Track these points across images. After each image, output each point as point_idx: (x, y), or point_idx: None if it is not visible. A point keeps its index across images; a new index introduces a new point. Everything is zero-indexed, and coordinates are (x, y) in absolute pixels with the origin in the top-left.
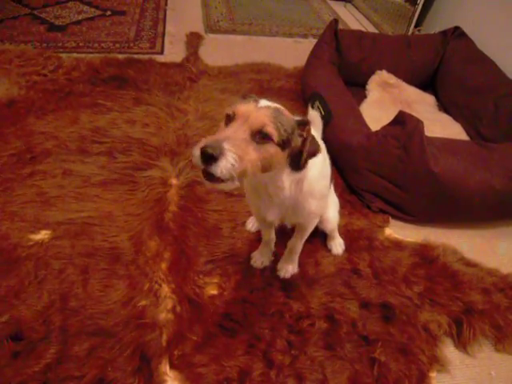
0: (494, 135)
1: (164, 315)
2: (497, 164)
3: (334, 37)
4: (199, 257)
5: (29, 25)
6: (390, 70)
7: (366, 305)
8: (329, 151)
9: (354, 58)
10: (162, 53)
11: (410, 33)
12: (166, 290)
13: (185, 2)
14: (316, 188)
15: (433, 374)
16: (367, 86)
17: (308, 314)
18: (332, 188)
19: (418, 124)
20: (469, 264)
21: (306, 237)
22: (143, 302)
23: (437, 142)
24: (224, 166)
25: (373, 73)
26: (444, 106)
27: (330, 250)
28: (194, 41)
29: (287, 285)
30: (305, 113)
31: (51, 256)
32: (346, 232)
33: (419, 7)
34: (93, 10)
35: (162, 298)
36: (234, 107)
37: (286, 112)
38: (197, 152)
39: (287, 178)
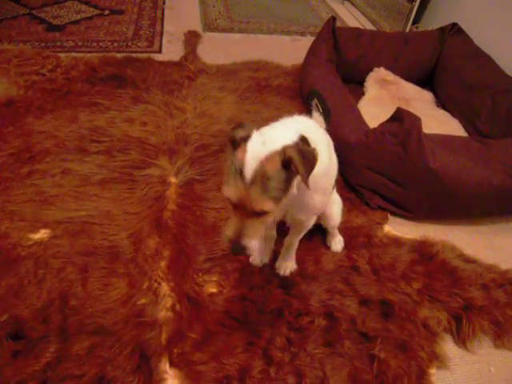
0: (491, 131)
1: (163, 313)
2: (495, 160)
3: (331, 34)
4: (198, 255)
5: (27, 24)
6: (387, 67)
7: (365, 302)
8: None
9: (352, 55)
10: (160, 51)
11: (407, 30)
12: (165, 288)
13: (182, 0)
14: (320, 184)
15: (432, 371)
16: (365, 84)
17: (307, 312)
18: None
19: (415, 121)
20: (468, 260)
21: (303, 234)
22: (143, 301)
23: (435, 139)
24: (250, 251)
25: (371, 70)
26: (442, 103)
27: (329, 248)
28: (192, 39)
29: (286, 282)
30: (303, 111)
31: (50, 255)
32: (344, 229)
33: (417, 4)
34: (91, 9)
35: (162, 297)
36: (226, 191)
37: (271, 165)
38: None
39: (295, 180)
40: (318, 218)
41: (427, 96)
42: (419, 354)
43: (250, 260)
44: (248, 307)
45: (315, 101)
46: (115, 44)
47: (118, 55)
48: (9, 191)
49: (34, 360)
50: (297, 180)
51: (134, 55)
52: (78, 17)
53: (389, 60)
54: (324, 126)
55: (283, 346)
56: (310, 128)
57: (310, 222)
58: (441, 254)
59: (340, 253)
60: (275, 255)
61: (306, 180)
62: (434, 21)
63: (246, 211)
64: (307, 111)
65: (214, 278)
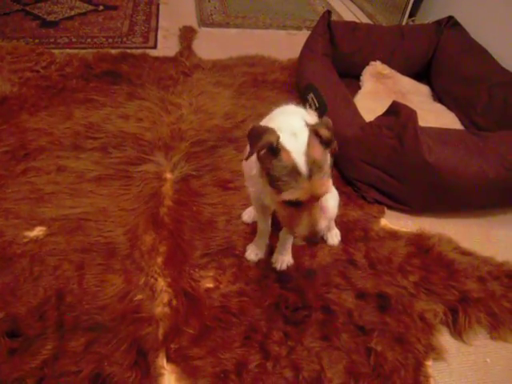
0: (487, 124)
1: (160, 309)
2: (491, 153)
3: (327, 28)
4: (195, 250)
5: (21, 21)
6: (384, 61)
7: (361, 295)
8: None
9: (348, 49)
10: (155, 47)
11: (403, 23)
12: (161, 283)
13: None
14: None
15: (429, 363)
16: (361, 77)
17: (304, 305)
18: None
19: (411, 114)
20: (464, 253)
21: None
22: (139, 297)
23: (431, 132)
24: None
25: (367, 64)
26: (438, 96)
27: (325, 241)
28: (187, 35)
29: (283, 276)
30: (299, 105)
31: (46, 252)
32: (341, 223)
33: None
34: (85, 5)
35: (158, 292)
36: (291, 196)
37: (315, 149)
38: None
39: None
40: None
41: (423, 89)
42: (416, 346)
43: (246, 255)
44: (244, 302)
45: (311, 95)
46: (110, 40)
47: (113, 51)
48: (4, 189)
49: (31, 357)
50: None
51: (128, 51)
52: (72, 13)
53: (385, 54)
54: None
55: (280, 340)
56: (304, 114)
57: None
58: (437, 247)
59: (337, 246)
60: (271, 250)
61: (337, 147)
62: (430, 14)
63: (310, 203)
64: (303, 106)
65: (211, 274)
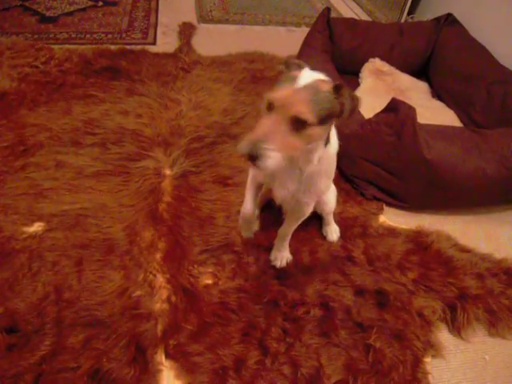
0: (486, 121)
1: (159, 305)
2: (489, 150)
3: (326, 25)
4: (194, 246)
5: (20, 16)
6: (383, 58)
7: (360, 292)
8: None
9: (347, 46)
10: (154, 43)
11: (402, 20)
12: (160, 280)
13: None
14: (330, 167)
15: (427, 359)
16: (360, 74)
17: (303, 302)
18: None
19: (410, 111)
20: (463, 250)
21: (299, 222)
22: (138, 293)
23: (429, 129)
24: (267, 162)
25: (366, 61)
26: (437, 93)
27: (325, 237)
28: (186, 31)
29: (282, 273)
30: None
31: (45, 248)
32: (340, 220)
33: None
34: (84, 0)
35: (157, 288)
36: (271, 94)
37: (324, 85)
38: (242, 150)
39: (318, 153)
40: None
41: (422, 86)
42: (414, 343)
43: (242, 233)
44: (243, 298)
45: None
46: (109, 36)
47: (112, 47)
48: (2, 184)
49: (30, 353)
50: (320, 154)
51: (128, 47)
52: (72, 8)
53: (384, 50)
54: None
55: (279, 337)
56: None
57: (310, 208)
58: (436, 244)
59: (335, 243)
60: (269, 246)
61: (346, 114)
62: (429, 11)
63: (283, 116)
64: None
65: (210, 270)
